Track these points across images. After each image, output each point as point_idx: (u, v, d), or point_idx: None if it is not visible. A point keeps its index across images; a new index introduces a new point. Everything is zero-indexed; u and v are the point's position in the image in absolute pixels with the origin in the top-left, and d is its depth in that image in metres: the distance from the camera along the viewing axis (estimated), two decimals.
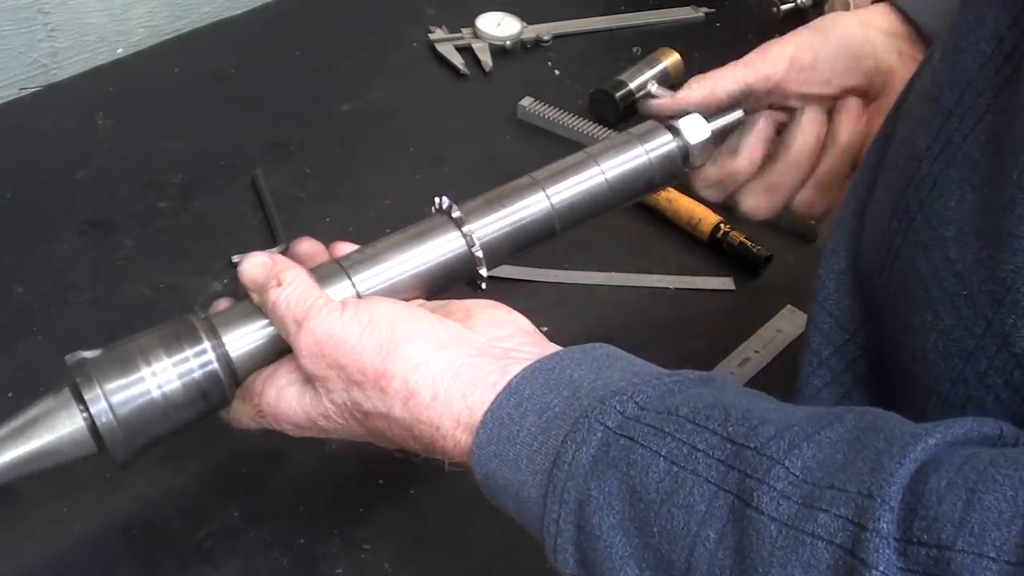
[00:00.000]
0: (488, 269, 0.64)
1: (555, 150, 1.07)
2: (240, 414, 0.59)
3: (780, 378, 0.86)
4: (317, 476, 0.75)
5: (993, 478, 0.38)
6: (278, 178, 0.99)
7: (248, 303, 0.59)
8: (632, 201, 0.71)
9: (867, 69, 0.74)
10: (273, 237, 0.93)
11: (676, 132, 0.71)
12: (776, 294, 0.94)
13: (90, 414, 0.54)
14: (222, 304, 0.61)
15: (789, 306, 0.92)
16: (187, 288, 0.88)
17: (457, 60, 1.16)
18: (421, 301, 0.62)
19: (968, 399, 0.47)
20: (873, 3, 0.76)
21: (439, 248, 0.63)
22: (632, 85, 1.10)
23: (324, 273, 0.60)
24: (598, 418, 0.47)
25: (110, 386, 0.55)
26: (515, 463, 0.48)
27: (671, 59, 1.13)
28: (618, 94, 1.09)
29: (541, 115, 1.09)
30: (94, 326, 0.84)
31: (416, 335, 0.53)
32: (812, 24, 0.76)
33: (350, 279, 0.60)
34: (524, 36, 1.19)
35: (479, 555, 0.70)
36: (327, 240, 0.94)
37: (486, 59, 1.16)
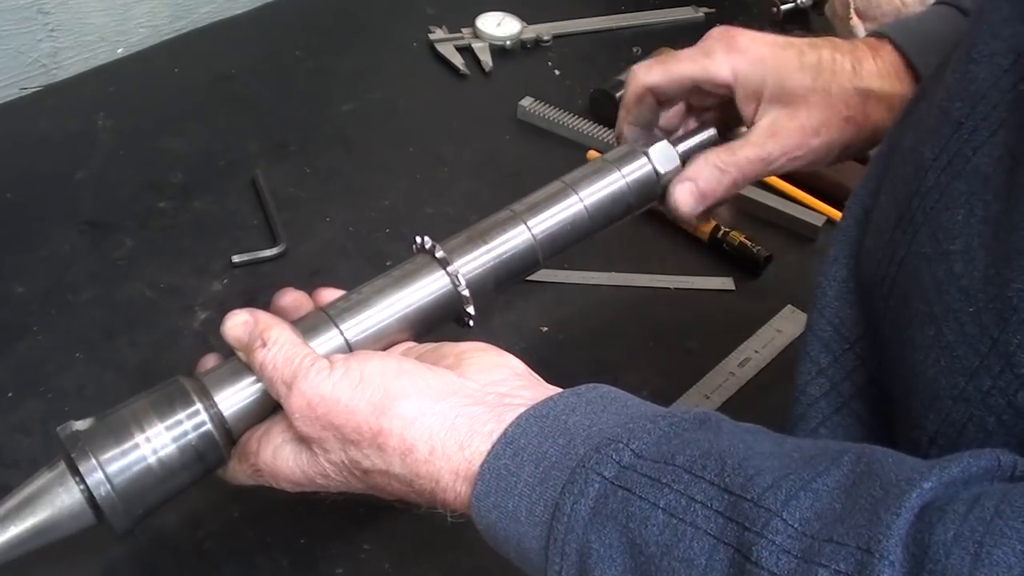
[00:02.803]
0: (474, 306, 0.63)
1: (555, 150, 1.07)
2: (237, 473, 0.59)
3: (780, 378, 0.86)
4: None
5: (1001, 530, 0.37)
6: (278, 178, 0.99)
7: (236, 360, 0.58)
8: (611, 226, 0.71)
9: None
10: (273, 237, 0.93)
11: (649, 157, 0.71)
12: (776, 294, 0.94)
13: (87, 486, 0.53)
14: (210, 361, 0.60)
15: (789, 306, 0.92)
16: (187, 288, 0.88)
17: (457, 60, 1.16)
18: (410, 344, 0.61)
19: (970, 418, 0.46)
20: (869, 35, 0.75)
21: (425, 289, 0.62)
22: None
23: (310, 324, 0.59)
24: (595, 468, 0.46)
25: (105, 456, 0.54)
26: (514, 515, 0.48)
27: None
28: (618, 94, 1.09)
29: (541, 115, 1.09)
30: (94, 326, 0.84)
31: (409, 390, 0.52)
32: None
33: (337, 327, 0.59)
34: (524, 36, 1.19)
35: (478, 557, 0.70)
36: (326, 240, 0.94)
37: (486, 59, 1.16)
